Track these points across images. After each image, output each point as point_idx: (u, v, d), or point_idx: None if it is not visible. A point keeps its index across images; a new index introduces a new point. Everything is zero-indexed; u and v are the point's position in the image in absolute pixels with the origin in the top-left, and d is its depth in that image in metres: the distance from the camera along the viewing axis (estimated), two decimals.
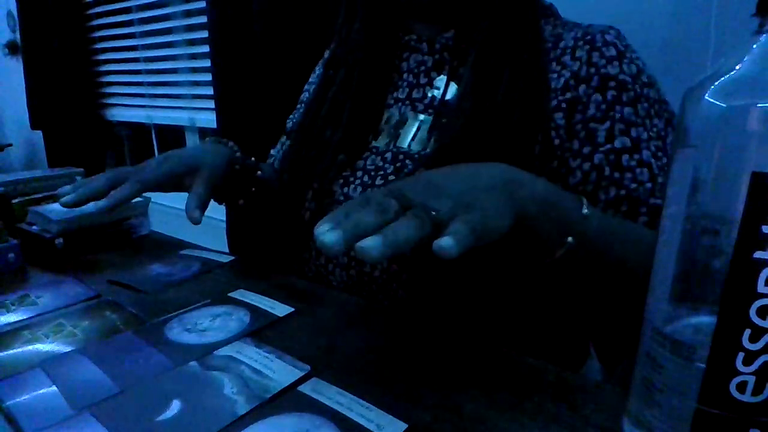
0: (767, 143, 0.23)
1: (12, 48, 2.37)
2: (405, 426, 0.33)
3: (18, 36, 2.16)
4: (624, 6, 0.82)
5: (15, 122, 2.55)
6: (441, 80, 0.59)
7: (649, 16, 0.80)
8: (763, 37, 0.24)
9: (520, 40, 0.55)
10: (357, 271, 0.57)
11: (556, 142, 0.53)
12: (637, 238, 0.46)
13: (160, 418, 0.35)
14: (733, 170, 0.24)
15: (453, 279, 0.53)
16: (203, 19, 1.50)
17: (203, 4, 1.40)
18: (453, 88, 0.58)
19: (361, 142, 0.62)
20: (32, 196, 0.74)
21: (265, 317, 0.49)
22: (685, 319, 0.26)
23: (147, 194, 0.60)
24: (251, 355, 0.42)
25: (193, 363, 0.41)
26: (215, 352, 0.42)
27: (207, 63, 1.43)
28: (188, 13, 1.70)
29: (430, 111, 0.59)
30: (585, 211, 0.41)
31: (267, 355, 0.42)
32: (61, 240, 0.65)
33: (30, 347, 0.45)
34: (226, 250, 0.74)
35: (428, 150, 0.56)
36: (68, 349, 0.44)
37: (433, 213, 0.33)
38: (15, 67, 2.30)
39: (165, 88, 1.85)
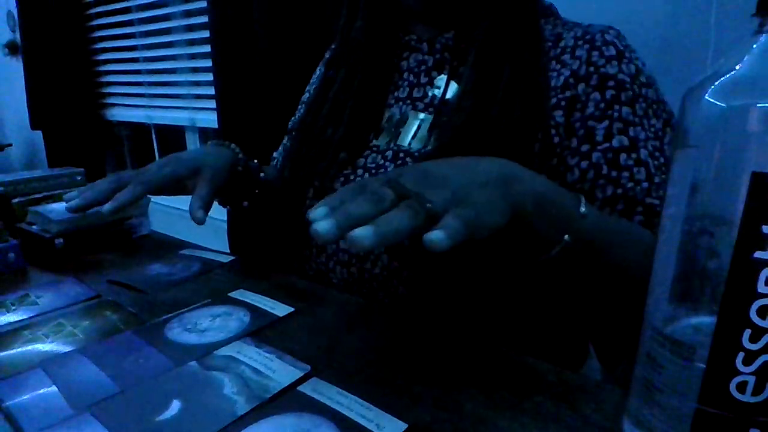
0: (767, 143, 0.23)
1: (12, 48, 2.37)
2: (405, 426, 0.33)
3: (18, 36, 2.16)
4: (624, 6, 0.82)
5: (15, 122, 2.56)
6: (441, 79, 0.60)
7: (649, 16, 0.80)
8: (763, 37, 0.24)
9: (520, 39, 0.55)
10: (357, 268, 0.57)
11: (556, 140, 0.53)
12: (633, 238, 0.46)
13: (160, 418, 0.35)
14: (733, 170, 0.24)
15: (453, 275, 0.53)
16: (203, 19, 1.50)
17: (204, 4, 1.41)
18: (453, 87, 0.58)
19: (362, 141, 0.62)
20: (32, 196, 0.74)
21: (265, 317, 0.49)
22: (685, 320, 0.26)
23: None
24: (251, 355, 0.42)
25: (193, 363, 0.41)
26: (215, 352, 0.42)
27: (207, 63, 1.43)
28: (188, 13, 1.70)
29: (430, 110, 0.59)
30: (583, 209, 0.41)
31: (267, 355, 0.42)
32: (61, 240, 0.65)
33: (30, 347, 0.45)
34: (227, 250, 0.74)
35: (428, 148, 0.57)
36: (68, 349, 0.44)
37: (428, 205, 0.33)
38: (15, 67, 2.30)
39: (165, 88, 1.85)
